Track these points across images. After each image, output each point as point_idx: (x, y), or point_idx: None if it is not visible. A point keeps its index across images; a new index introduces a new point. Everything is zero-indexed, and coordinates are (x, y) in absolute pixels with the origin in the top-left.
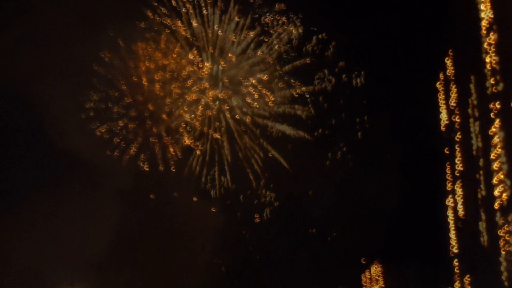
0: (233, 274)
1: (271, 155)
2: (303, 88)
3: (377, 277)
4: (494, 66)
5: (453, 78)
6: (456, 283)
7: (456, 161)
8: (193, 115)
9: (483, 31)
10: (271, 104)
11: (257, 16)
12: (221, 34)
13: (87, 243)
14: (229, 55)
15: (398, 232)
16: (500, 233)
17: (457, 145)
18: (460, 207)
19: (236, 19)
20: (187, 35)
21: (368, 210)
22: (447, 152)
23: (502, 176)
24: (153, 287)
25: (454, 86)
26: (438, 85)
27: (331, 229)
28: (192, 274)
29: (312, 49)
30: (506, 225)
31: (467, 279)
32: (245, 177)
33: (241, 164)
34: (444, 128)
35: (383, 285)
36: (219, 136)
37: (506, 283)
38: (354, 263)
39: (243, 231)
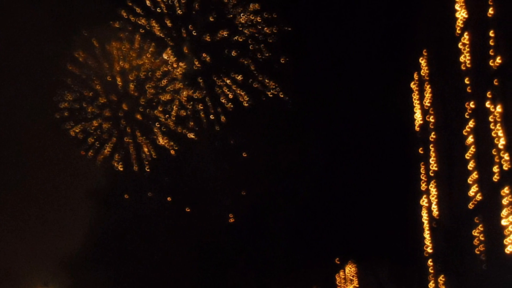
0: (205, 274)
1: (245, 155)
2: (278, 88)
3: (351, 277)
4: (468, 66)
5: (428, 78)
6: (431, 283)
7: (431, 161)
8: (167, 115)
9: (458, 31)
10: (246, 104)
11: (231, 16)
12: (195, 34)
13: (60, 243)
14: (204, 55)
15: (372, 232)
16: (475, 233)
17: (432, 145)
18: (434, 207)
19: (211, 19)
20: (161, 35)
21: (342, 210)
22: (422, 152)
23: (476, 176)
24: (126, 287)
25: (428, 86)
26: (412, 85)
27: (305, 229)
28: (165, 274)
29: (285, 48)
30: (481, 225)
31: (441, 279)
32: (218, 176)
33: (214, 163)
34: (418, 128)
35: (357, 285)
36: (193, 136)
37: (480, 283)
38: (328, 263)
39: (216, 231)
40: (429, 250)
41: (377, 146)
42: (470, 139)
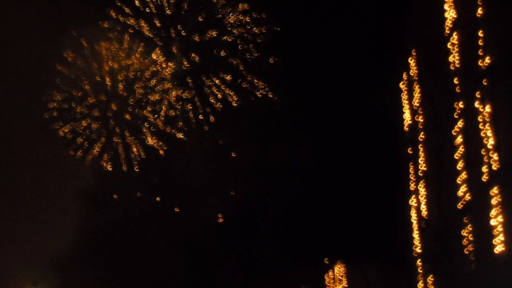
0: (195, 274)
1: (234, 155)
2: (267, 88)
3: (340, 277)
4: (457, 66)
5: (417, 78)
6: (419, 283)
7: (420, 161)
8: (156, 115)
9: (447, 31)
10: (235, 104)
11: (220, 16)
12: (184, 34)
13: (49, 243)
14: (193, 55)
15: (361, 233)
16: (464, 233)
17: (421, 145)
18: (423, 207)
19: (200, 19)
20: (150, 35)
21: (331, 210)
22: (411, 152)
23: (465, 176)
24: (116, 287)
25: (417, 86)
26: (401, 85)
27: (294, 229)
28: (155, 274)
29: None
30: (470, 225)
31: (430, 279)
32: (207, 176)
33: (203, 163)
34: (407, 128)
35: (346, 285)
36: (182, 136)
37: (469, 283)
38: (317, 263)
39: (205, 231)
40: (418, 250)
41: (366, 146)
42: (459, 139)
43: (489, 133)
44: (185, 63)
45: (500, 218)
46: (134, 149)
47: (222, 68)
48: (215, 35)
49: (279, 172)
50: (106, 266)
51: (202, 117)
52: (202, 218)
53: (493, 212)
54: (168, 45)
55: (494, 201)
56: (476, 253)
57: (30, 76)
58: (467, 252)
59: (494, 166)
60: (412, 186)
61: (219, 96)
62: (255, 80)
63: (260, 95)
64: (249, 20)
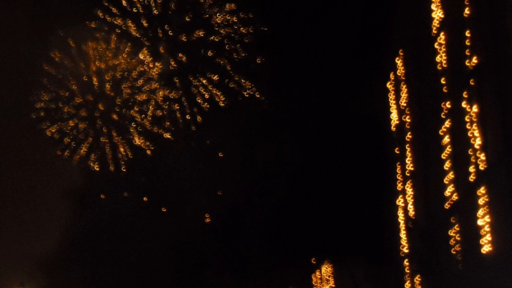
0: (182, 274)
1: (221, 155)
2: (254, 88)
3: (327, 277)
4: (445, 66)
5: (404, 78)
6: (407, 283)
7: (407, 161)
8: (143, 115)
9: (434, 31)
10: (222, 104)
11: (207, 16)
12: (171, 34)
13: (37, 243)
14: (180, 55)
15: (348, 232)
16: (451, 233)
17: (408, 145)
18: (410, 207)
19: (187, 19)
20: (137, 35)
21: (318, 210)
22: (398, 152)
23: (452, 176)
24: (103, 287)
25: (404, 86)
26: (389, 85)
27: (281, 229)
28: (142, 274)
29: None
30: (457, 225)
31: (417, 279)
32: (195, 176)
33: (190, 163)
34: (394, 128)
35: (333, 285)
36: (169, 136)
37: (456, 283)
38: (304, 263)
39: (192, 231)
40: (405, 250)
41: (353, 146)
42: (446, 139)
43: (476, 133)
44: (172, 63)
45: (487, 218)
46: (121, 149)
47: (209, 68)
48: (202, 35)
49: (266, 172)
50: (94, 266)
51: (189, 117)
52: (189, 218)
53: (480, 212)
54: (155, 45)
55: (481, 201)
56: (463, 253)
57: (17, 76)
58: (454, 252)
59: (481, 166)
60: (399, 186)
61: (206, 96)
62: (242, 80)
63: (247, 95)
64: (236, 20)
